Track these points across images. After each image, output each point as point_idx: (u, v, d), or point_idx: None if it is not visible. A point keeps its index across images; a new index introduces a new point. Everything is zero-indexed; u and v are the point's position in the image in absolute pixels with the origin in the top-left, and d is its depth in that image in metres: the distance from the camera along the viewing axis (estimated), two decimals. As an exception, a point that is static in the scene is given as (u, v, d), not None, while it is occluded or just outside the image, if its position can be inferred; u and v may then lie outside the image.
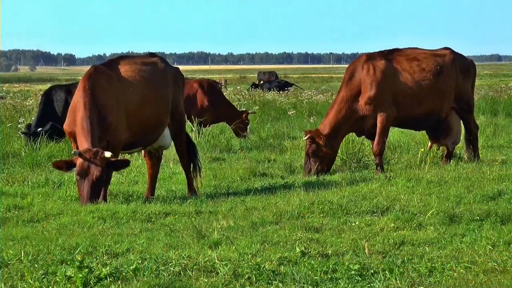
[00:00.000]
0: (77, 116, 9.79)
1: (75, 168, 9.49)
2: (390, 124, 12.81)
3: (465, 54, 13.92)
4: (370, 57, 12.88)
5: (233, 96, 28.80)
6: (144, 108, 10.33)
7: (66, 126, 10.03)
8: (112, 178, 10.38)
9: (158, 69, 10.74)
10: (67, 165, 9.59)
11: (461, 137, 13.62)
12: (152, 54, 11.15)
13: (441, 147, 13.48)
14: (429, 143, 13.51)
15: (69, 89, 16.38)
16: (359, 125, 12.73)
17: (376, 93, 12.56)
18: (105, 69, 10.25)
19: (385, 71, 12.71)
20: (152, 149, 10.91)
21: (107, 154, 9.42)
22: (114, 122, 9.94)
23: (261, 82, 45.66)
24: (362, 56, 13.05)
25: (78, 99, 9.90)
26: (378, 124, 12.60)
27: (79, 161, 9.44)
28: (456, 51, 13.52)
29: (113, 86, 10.09)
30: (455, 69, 13.24)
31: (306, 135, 12.62)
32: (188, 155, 11.14)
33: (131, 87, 10.26)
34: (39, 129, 15.47)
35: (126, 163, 9.73)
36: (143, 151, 11.10)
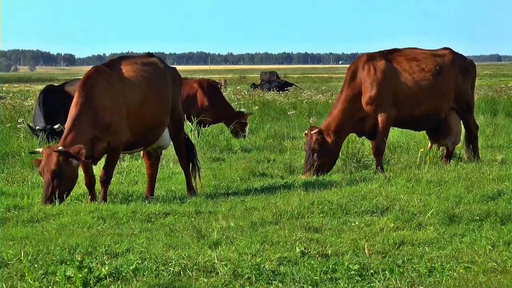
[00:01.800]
0: None
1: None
2: (391, 125, 12.81)
3: (465, 54, 13.92)
4: (370, 57, 12.88)
5: (233, 96, 28.78)
6: (145, 108, 10.35)
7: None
8: (112, 178, 10.41)
9: (158, 69, 10.75)
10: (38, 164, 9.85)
11: (461, 137, 13.62)
12: (150, 54, 11.15)
13: (441, 147, 13.48)
14: (429, 144, 13.51)
15: (62, 88, 16.82)
16: (360, 125, 12.71)
17: (376, 94, 12.56)
18: (106, 69, 10.26)
19: (386, 71, 12.71)
20: (151, 149, 10.93)
21: (59, 148, 9.54)
22: (114, 123, 9.96)
23: (263, 82, 45.63)
24: (363, 56, 13.05)
25: (74, 99, 9.98)
26: (379, 124, 12.60)
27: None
28: (455, 51, 13.52)
29: (114, 86, 10.11)
30: (454, 69, 13.24)
31: (313, 130, 12.54)
32: (187, 155, 11.16)
33: (132, 87, 10.27)
34: (56, 125, 15.53)
35: (79, 149, 9.64)
36: (142, 151, 11.11)
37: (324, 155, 12.43)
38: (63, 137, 9.86)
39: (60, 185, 9.63)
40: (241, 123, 18.73)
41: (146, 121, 10.37)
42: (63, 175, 9.63)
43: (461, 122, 13.46)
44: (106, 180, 10.13)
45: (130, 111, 10.16)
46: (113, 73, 10.22)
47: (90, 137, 9.84)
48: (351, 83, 12.73)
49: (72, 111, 9.88)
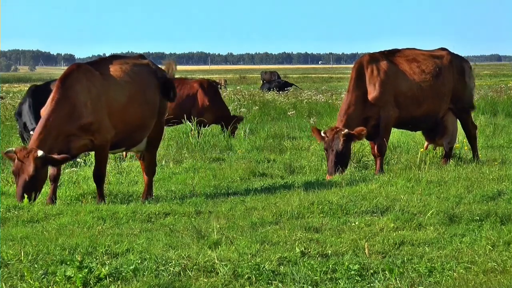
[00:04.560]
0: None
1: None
2: (392, 125, 12.82)
3: (465, 54, 14.16)
4: (373, 58, 12.87)
5: (233, 96, 28.79)
6: (130, 108, 10.23)
7: None
8: (112, 178, 10.40)
9: (149, 71, 10.68)
10: (11, 159, 9.87)
11: (460, 137, 13.63)
12: (142, 56, 11.07)
13: (437, 147, 13.51)
14: (425, 144, 13.57)
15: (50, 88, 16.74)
16: (363, 125, 12.70)
17: (380, 94, 12.56)
18: (88, 67, 10.16)
19: (388, 72, 12.72)
20: (131, 152, 10.82)
21: (39, 153, 9.50)
22: (96, 122, 9.87)
23: (264, 81, 45.69)
24: (365, 56, 13.03)
25: (51, 94, 9.94)
26: (381, 125, 12.60)
27: (15, 159, 9.68)
28: (452, 51, 13.56)
29: (95, 84, 10.00)
30: (452, 70, 13.27)
31: (339, 131, 12.23)
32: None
33: (117, 86, 10.14)
34: None
35: (65, 159, 9.68)
36: (124, 153, 11.02)
37: (347, 155, 12.37)
38: (35, 135, 9.75)
39: (33, 186, 9.68)
40: (234, 125, 18.76)
41: (131, 121, 10.27)
42: (39, 178, 9.69)
43: (459, 122, 13.48)
44: (99, 179, 10.10)
45: (114, 109, 10.06)
46: (96, 72, 10.11)
47: (64, 134, 9.77)
48: (358, 83, 12.69)
49: (47, 107, 9.82)
